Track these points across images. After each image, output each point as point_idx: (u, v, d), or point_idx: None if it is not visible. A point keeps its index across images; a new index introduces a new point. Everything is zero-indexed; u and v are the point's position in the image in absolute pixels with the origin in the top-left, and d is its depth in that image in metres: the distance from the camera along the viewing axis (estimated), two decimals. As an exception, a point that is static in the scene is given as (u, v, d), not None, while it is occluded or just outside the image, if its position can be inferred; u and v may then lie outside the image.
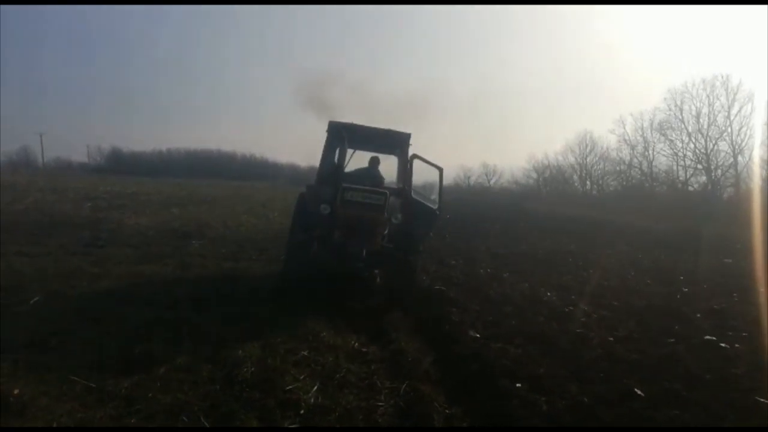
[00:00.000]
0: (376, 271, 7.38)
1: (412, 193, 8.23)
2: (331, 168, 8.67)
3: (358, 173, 8.64)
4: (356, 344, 5.42)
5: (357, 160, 9.09)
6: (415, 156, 8.04)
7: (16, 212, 16.13)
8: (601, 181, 47.71)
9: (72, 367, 4.12)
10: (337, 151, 9.05)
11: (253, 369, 4.39)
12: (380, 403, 3.99)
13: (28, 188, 25.09)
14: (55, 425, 3.20)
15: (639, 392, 4.46)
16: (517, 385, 4.49)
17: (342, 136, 8.29)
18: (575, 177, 49.86)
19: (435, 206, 8.32)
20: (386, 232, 7.54)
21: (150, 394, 3.79)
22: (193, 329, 5.40)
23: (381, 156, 9.16)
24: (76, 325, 5.32)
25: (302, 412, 3.69)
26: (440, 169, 8.19)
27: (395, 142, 8.98)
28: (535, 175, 54.11)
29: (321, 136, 8.80)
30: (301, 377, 4.31)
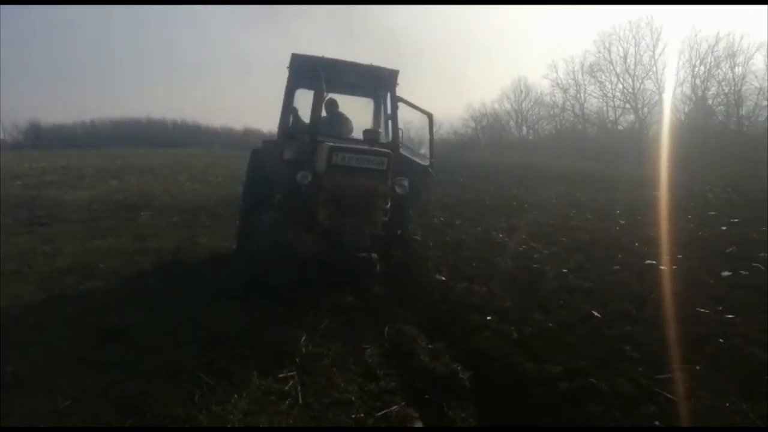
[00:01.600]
0: (374, 255, 5.50)
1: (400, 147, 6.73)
2: (297, 119, 7.04)
3: (325, 124, 6.94)
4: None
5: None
6: (400, 99, 6.75)
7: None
8: (536, 126, 49.17)
9: (56, 341, 4.14)
10: (294, 98, 6.98)
11: (236, 328, 4.54)
12: (366, 346, 4.25)
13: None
14: (59, 399, 3.27)
15: (596, 314, 4.93)
16: (488, 318, 4.87)
17: (314, 74, 6.38)
18: (512, 123, 51.06)
19: (426, 162, 6.85)
20: (389, 206, 5.81)
21: (141, 359, 3.88)
22: (166, 297, 5.44)
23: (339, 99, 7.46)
24: (46, 304, 5.25)
25: (297, 360, 3.89)
26: (430, 116, 6.68)
27: (381, 82, 7.12)
28: (473, 124, 55.05)
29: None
30: (286, 331, 4.49)
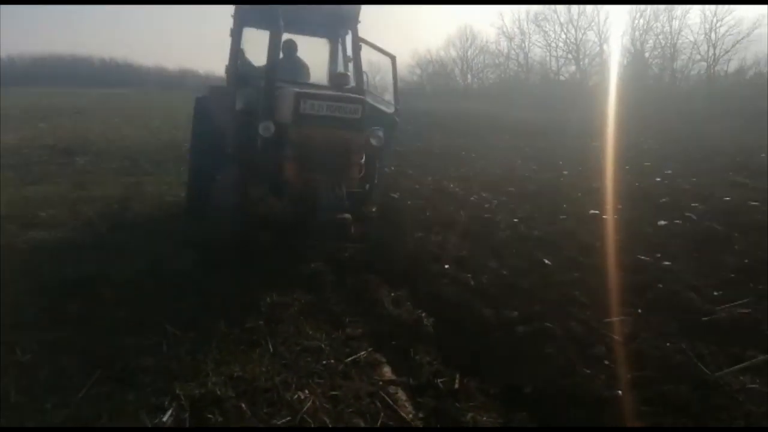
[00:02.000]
0: (348, 216, 4.82)
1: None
2: (244, 62, 6.45)
3: (279, 68, 5.98)
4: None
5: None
6: (361, 40, 6.17)
7: None
8: (481, 74, 49.35)
9: (15, 296, 3.98)
10: (241, 38, 6.26)
11: (198, 279, 4.50)
12: (330, 295, 4.33)
13: None
14: (18, 353, 3.18)
15: (547, 261, 5.19)
16: (446, 266, 5.03)
17: (264, 10, 5.72)
18: (457, 71, 51.02)
19: (392, 110, 6.22)
20: (363, 161, 5.29)
21: (104, 312, 3.81)
22: (121, 248, 5.29)
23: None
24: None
25: (263, 310, 3.92)
26: (393, 58, 6.13)
27: (341, 20, 6.45)
28: (419, 71, 54.63)
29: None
30: (250, 283, 4.49)
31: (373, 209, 5.69)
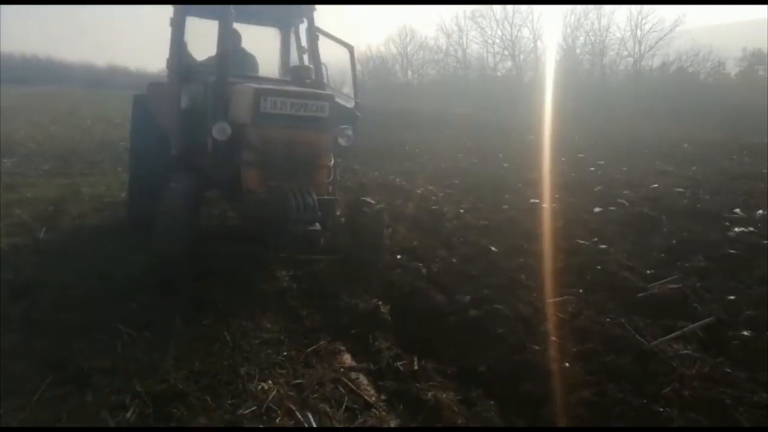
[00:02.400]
0: (317, 227, 4.24)
1: None
2: (186, 56, 5.67)
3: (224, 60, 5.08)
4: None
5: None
6: (318, 30, 5.70)
7: None
8: (421, 71, 49.88)
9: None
10: (184, 28, 5.55)
11: (147, 281, 4.40)
12: (285, 283, 4.39)
13: None
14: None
15: (493, 248, 5.41)
16: (398, 257, 5.16)
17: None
18: (397, 67, 51.37)
19: (352, 104, 5.63)
20: (332, 163, 4.87)
21: (53, 316, 3.71)
22: (63, 251, 5.12)
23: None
24: None
25: (220, 306, 3.89)
26: (351, 48, 5.61)
27: (297, 8, 5.93)
28: (359, 68, 54.53)
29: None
30: (203, 281, 4.44)
31: (338, 213, 5.06)
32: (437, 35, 47.79)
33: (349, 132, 4.89)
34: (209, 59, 5.48)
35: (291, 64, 6.22)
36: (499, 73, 43.11)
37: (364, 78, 54.11)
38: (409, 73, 50.92)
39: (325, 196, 4.57)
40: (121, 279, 4.42)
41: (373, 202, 4.93)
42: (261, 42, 6.36)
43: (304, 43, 6.07)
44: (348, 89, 5.76)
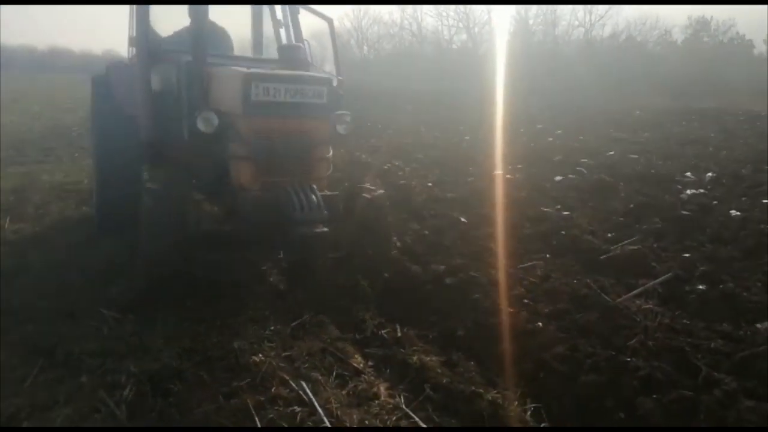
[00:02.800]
0: (324, 229, 3.67)
1: None
2: (152, 32, 4.90)
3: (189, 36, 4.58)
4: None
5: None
6: (301, 4, 5.18)
7: None
8: (377, 45, 49.50)
9: None
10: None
11: (124, 266, 4.38)
12: (265, 267, 4.44)
13: None
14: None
15: (463, 219, 5.59)
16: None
17: None
18: (352, 42, 50.80)
19: (334, 82, 4.66)
20: (330, 154, 4.34)
21: (33, 303, 3.70)
22: (35, 239, 5.05)
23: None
24: None
25: (203, 287, 3.95)
26: (330, 21, 5.17)
27: None
28: (314, 43, 53.54)
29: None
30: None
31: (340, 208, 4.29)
32: (391, 9, 47.40)
33: (347, 118, 4.31)
34: (176, 35, 5.06)
35: (262, 39, 5.87)
36: (454, 46, 43.22)
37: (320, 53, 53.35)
38: (365, 48, 50.44)
39: (326, 192, 4.05)
40: (95, 265, 4.40)
41: (372, 187, 4.38)
42: (229, 15, 5.54)
43: (279, 15, 5.56)
44: (329, 66, 5.25)
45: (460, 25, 42.27)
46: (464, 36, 42.48)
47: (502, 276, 4.16)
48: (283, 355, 3.11)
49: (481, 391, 2.73)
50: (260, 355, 3.06)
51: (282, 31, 5.51)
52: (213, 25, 5.32)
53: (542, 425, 2.64)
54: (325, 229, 3.64)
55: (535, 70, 29.51)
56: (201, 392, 2.71)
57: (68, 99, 22.02)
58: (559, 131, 13.38)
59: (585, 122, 15.36)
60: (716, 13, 34.50)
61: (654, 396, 2.63)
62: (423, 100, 22.75)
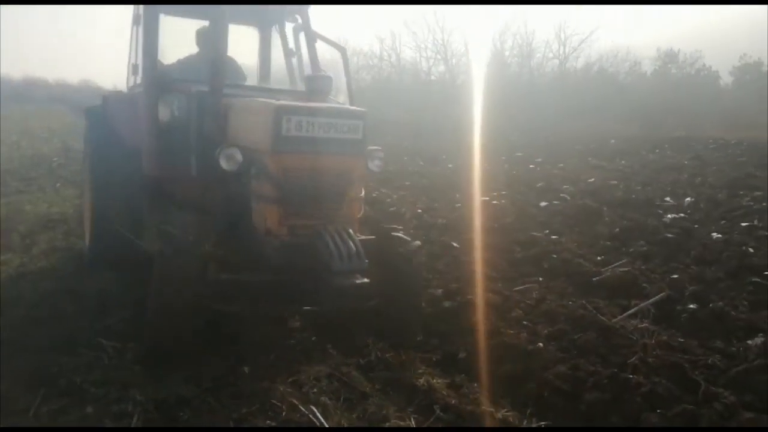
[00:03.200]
0: (364, 279, 3.23)
1: None
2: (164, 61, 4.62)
3: (200, 66, 4.53)
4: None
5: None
6: (316, 33, 4.89)
7: None
8: (356, 76, 50.21)
9: None
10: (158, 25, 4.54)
11: (117, 294, 4.35)
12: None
13: None
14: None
15: (455, 244, 5.68)
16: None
17: None
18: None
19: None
20: (363, 194, 3.91)
21: (27, 333, 3.64)
22: (24, 267, 4.97)
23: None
24: None
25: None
26: (343, 51, 4.91)
27: (291, 7, 5.00)
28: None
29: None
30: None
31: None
32: (371, 41, 48.30)
33: (381, 154, 3.92)
34: (181, 64, 4.87)
35: (269, 69, 5.64)
36: (433, 77, 44.04)
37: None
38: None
39: (359, 235, 3.57)
40: (88, 294, 4.35)
41: (408, 239, 3.89)
42: (235, 44, 4.94)
43: (291, 44, 5.24)
44: (343, 97, 4.88)
45: (438, 56, 43.20)
46: (442, 67, 43.37)
47: (498, 299, 4.24)
48: (290, 380, 3.11)
49: (491, 410, 2.77)
50: (267, 381, 3.07)
51: (294, 61, 5.23)
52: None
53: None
54: (366, 280, 3.21)
55: (512, 101, 30.23)
56: (210, 419, 2.69)
57: (45, 129, 21.82)
58: (539, 159, 13.69)
59: (563, 150, 15.73)
60: (684, 45, 35.89)
61: (658, 411, 2.70)
62: (404, 129, 23.04)
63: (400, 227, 4.26)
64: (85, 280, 4.69)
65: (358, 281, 3.18)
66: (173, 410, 2.75)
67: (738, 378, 2.96)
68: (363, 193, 3.87)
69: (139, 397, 2.82)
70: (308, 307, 3.54)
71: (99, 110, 5.22)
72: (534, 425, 2.75)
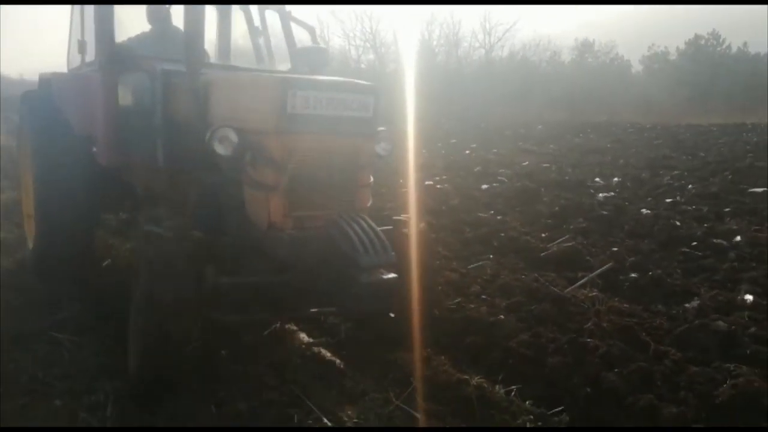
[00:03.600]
0: (393, 275, 2.88)
1: None
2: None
3: (153, 44, 4.29)
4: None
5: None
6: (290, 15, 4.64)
7: None
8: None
9: None
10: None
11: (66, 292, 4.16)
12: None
13: None
14: None
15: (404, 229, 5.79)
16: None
17: None
18: (258, 61, 50.38)
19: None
20: (372, 180, 3.35)
21: None
22: None
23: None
24: None
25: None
26: (312, 30, 4.64)
27: None
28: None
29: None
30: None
31: None
32: (298, 30, 47.53)
33: (388, 135, 3.37)
34: (135, 40, 4.41)
35: (230, 47, 5.27)
36: (363, 65, 44.03)
37: (224, 72, 52.16)
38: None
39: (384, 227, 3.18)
40: (37, 288, 4.12)
41: (406, 219, 3.69)
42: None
43: (256, 22, 4.94)
44: None
45: (367, 44, 43.23)
46: (371, 56, 43.45)
47: (456, 276, 4.38)
48: (263, 363, 3.11)
49: (466, 377, 2.90)
50: (241, 365, 3.06)
51: (261, 40, 4.91)
52: (178, 30, 4.52)
53: (527, 403, 2.83)
54: (394, 275, 2.86)
55: (441, 88, 30.81)
56: (190, 403, 2.66)
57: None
58: (474, 145, 14.09)
59: (495, 136, 16.27)
60: (599, 35, 37.89)
61: (615, 370, 2.92)
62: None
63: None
64: (27, 273, 4.44)
65: (386, 276, 2.82)
66: (149, 397, 2.69)
67: (681, 337, 3.25)
68: (372, 180, 3.36)
69: (108, 388, 2.75)
70: (330, 309, 3.16)
71: (37, 94, 4.64)
72: (507, 389, 2.90)
